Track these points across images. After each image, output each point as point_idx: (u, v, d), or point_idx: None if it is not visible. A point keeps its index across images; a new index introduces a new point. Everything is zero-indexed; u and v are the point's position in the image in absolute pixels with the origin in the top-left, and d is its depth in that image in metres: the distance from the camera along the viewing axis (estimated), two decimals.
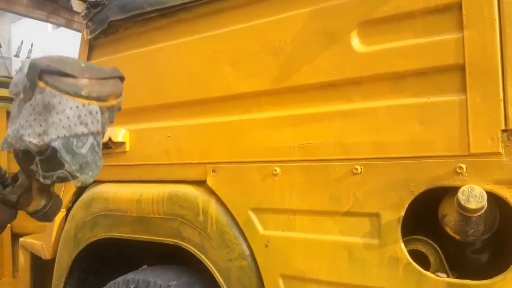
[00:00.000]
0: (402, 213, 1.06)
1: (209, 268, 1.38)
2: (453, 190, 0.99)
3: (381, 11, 1.11)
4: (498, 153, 0.96)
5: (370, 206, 1.11)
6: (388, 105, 1.10)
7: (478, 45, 0.99)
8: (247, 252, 1.31)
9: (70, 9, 3.72)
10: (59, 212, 1.35)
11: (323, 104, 1.21)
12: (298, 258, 1.20)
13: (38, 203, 1.25)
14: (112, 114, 1.12)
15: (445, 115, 1.02)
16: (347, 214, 1.14)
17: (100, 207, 1.66)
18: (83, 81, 1.00)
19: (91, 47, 1.81)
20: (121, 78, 1.14)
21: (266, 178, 1.28)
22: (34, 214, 1.27)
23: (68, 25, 3.75)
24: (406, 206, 1.06)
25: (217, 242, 1.37)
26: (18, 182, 1.19)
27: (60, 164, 1.00)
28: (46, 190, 1.27)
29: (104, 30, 1.71)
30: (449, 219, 1.02)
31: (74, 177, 1.02)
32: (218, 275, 1.35)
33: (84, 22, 1.75)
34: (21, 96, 1.01)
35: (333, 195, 1.16)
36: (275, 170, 1.26)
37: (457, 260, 1.13)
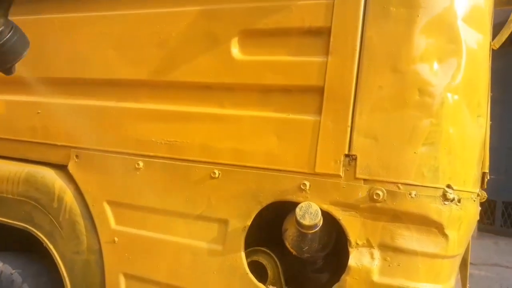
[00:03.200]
0: (248, 223, 1.07)
1: (55, 258, 1.28)
2: (296, 205, 1.02)
3: (262, 23, 1.13)
4: (338, 176, 1.00)
5: (221, 212, 1.10)
6: (252, 116, 1.11)
7: (338, 72, 1.03)
8: (96, 247, 1.24)
9: None
10: (27, 48, 0.92)
11: (196, 105, 1.19)
12: (142, 257, 1.16)
13: None
14: None
15: (299, 133, 1.05)
16: (199, 217, 1.12)
17: None
18: None
19: None
20: None
21: (128, 171, 1.22)
22: None
23: None
24: (253, 216, 1.07)
25: (68, 232, 1.28)
26: None
27: None
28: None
29: None
30: (289, 233, 1.05)
31: None
32: (62, 267, 1.27)
33: None
34: None
35: (190, 197, 1.14)
36: (138, 164, 1.21)
37: (300, 277, 1.17)
